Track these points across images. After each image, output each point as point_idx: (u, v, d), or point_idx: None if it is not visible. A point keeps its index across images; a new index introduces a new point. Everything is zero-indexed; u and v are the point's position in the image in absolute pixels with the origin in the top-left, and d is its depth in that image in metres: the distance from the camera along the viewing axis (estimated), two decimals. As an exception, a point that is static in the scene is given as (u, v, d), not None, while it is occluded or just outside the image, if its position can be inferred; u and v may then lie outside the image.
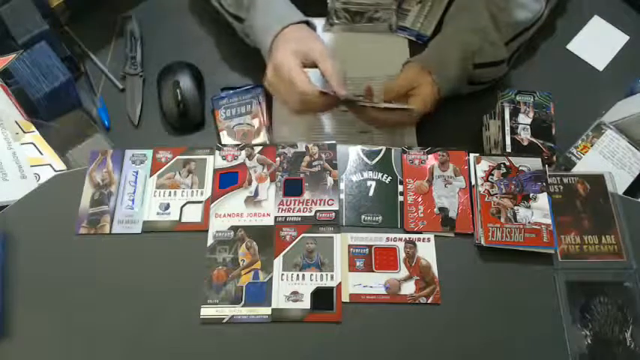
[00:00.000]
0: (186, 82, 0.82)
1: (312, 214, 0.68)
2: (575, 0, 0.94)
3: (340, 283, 0.64)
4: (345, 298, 0.64)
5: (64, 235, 0.67)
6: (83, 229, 0.67)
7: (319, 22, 0.88)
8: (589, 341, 0.62)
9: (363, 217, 0.68)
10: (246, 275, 0.65)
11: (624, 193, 0.72)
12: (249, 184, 0.70)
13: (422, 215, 0.68)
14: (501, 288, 0.65)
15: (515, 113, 0.76)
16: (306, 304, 0.63)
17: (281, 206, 0.68)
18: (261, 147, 0.72)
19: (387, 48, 0.89)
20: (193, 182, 0.70)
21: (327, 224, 0.67)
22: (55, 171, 0.73)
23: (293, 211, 0.68)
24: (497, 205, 0.67)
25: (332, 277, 0.64)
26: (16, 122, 0.75)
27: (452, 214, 0.68)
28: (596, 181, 0.70)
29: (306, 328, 0.62)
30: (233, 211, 0.68)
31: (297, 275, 0.65)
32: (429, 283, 0.65)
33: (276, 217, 0.68)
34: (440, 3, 0.91)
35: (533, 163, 0.70)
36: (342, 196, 0.69)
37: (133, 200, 0.68)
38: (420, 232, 0.67)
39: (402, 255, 0.66)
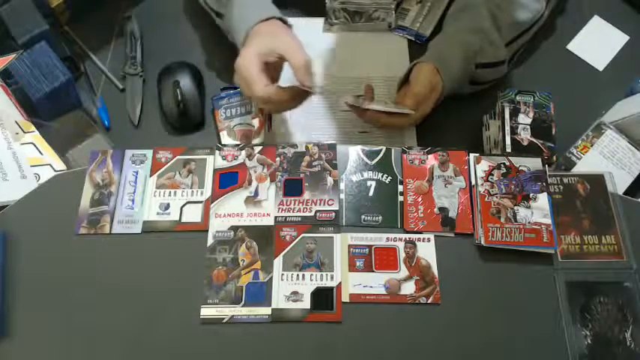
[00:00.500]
0: (186, 82, 0.82)
1: (312, 214, 0.68)
2: (575, 0, 0.94)
3: (340, 283, 0.64)
4: (345, 298, 0.64)
5: (64, 235, 0.67)
6: (83, 229, 0.67)
7: (313, 22, 0.88)
8: (589, 341, 0.62)
9: (363, 217, 0.68)
10: (246, 275, 0.65)
11: (624, 193, 0.72)
12: (249, 184, 0.69)
13: (422, 215, 0.68)
14: (501, 288, 0.65)
15: (515, 113, 0.76)
16: (306, 304, 0.63)
17: (281, 206, 0.68)
18: (261, 147, 0.72)
19: (386, 48, 0.89)
20: (193, 182, 0.70)
21: (327, 224, 0.67)
22: (55, 171, 0.73)
23: (293, 211, 0.68)
24: (497, 205, 0.67)
25: (332, 277, 0.64)
26: (16, 122, 0.75)
27: (452, 214, 0.68)
28: (596, 181, 0.70)
29: (306, 328, 0.62)
30: (233, 211, 0.68)
31: (297, 275, 0.65)
32: (429, 283, 0.65)
33: (276, 217, 0.68)
34: (440, 3, 0.91)
35: (533, 163, 0.70)
36: (342, 196, 0.69)
37: (133, 200, 0.68)
38: (420, 232, 0.67)
39: (402, 255, 0.66)
